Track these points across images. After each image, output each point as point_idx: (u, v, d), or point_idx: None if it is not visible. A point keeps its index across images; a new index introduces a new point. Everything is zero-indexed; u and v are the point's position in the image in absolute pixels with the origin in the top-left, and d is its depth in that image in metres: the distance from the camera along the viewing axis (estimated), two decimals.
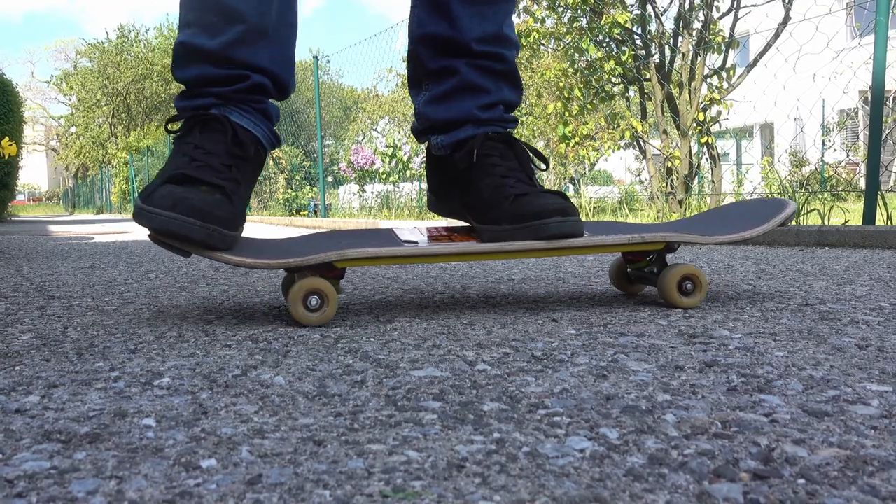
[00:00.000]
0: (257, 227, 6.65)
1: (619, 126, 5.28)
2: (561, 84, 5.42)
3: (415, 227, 1.26)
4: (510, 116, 1.25)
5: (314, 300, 1.01)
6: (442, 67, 1.22)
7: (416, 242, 1.12)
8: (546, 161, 1.24)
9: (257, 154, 1.14)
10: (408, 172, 8.08)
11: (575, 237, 1.10)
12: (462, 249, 1.09)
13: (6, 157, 3.93)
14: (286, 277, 1.20)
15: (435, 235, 1.19)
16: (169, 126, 1.12)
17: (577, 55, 5.27)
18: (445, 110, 1.22)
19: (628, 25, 4.99)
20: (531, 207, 1.09)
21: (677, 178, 4.79)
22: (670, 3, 4.96)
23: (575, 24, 5.23)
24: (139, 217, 1.01)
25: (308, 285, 1.00)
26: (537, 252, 1.10)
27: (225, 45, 1.09)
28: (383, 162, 8.23)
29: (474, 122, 1.21)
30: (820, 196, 3.78)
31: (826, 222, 3.12)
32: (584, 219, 4.67)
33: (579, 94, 5.27)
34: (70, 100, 32.92)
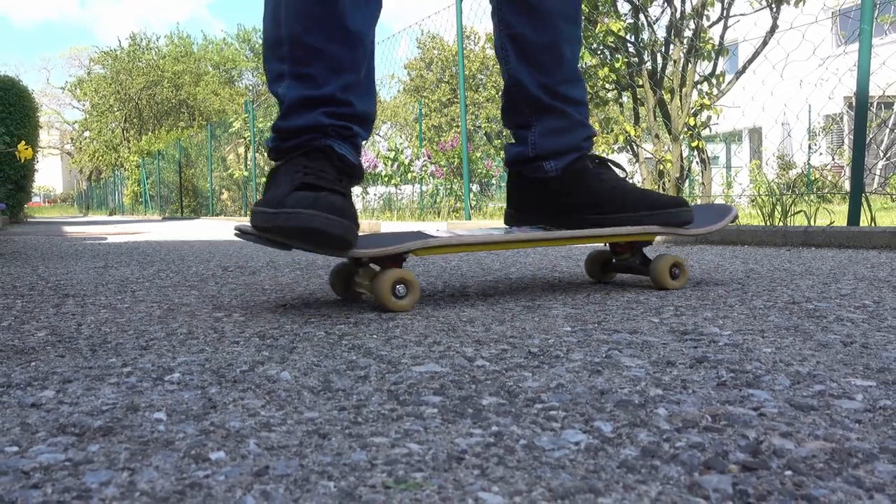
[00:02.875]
0: None
1: (612, 130, 5.28)
2: None
3: (438, 230, 1.40)
4: (593, 135, 1.45)
5: (401, 288, 1.10)
6: (548, 104, 1.39)
7: (437, 235, 1.23)
8: (624, 170, 1.45)
9: (356, 179, 1.23)
10: (409, 175, 8.08)
11: (691, 223, 1.35)
12: (520, 238, 1.25)
13: (22, 161, 3.93)
14: (334, 272, 1.28)
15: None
16: (270, 156, 1.21)
17: None
18: (558, 140, 1.40)
19: (622, 34, 4.99)
20: (662, 198, 1.34)
21: (669, 181, 4.79)
22: (662, 12, 4.96)
23: None
24: (275, 218, 1.02)
25: (395, 276, 1.10)
26: (551, 241, 1.28)
27: (334, 91, 1.18)
28: (385, 165, 8.23)
29: (577, 150, 1.40)
30: (806, 198, 3.78)
31: (812, 223, 3.12)
32: None
33: None
34: (84, 105, 32.92)
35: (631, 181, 1.43)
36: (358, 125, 1.23)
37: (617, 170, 1.43)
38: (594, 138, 1.44)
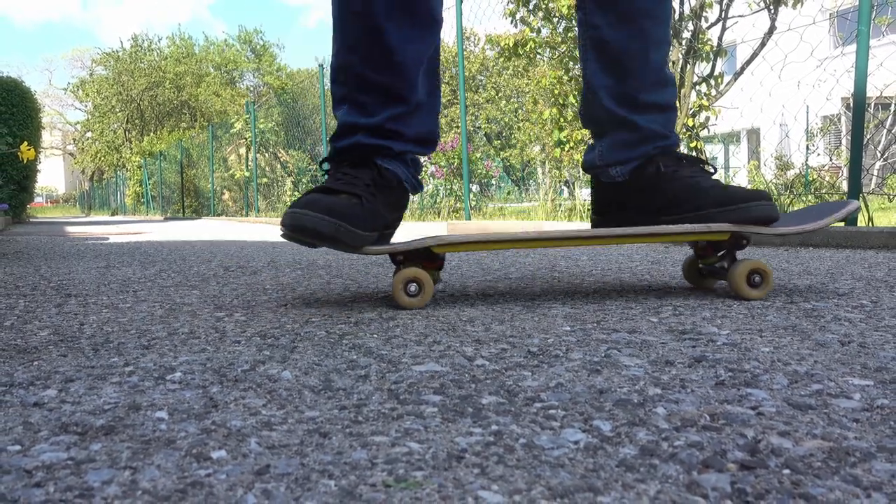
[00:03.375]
0: (266, 227, 6.64)
1: None
2: (556, 91, 5.42)
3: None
4: (676, 137, 1.36)
5: (413, 287, 1.12)
6: (620, 118, 1.33)
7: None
8: (714, 168, 1.34)
9: (400, 189, 1.28)
10: None
11: (774, 220, 1.19)
12: (545, 235, 1.19)
13: (25, 161, 3.93)
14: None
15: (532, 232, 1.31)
16: (321, 166, 1.29)
17: (571, 63, 5.27)
18: (628, 153, 1.34)
19: None
20: (737, 192, 1.21)
21: None
22: None
23: (570, 34, 5.22)
24: (284, 217, 1.12)
25: (407, 274, 1.12)
26: (599, 240, 1.19)
27: (382, 121, 1.23)
28: None
29: (645, 156, 1.33)
30: (804, 198, 3.78)
31: None
32: (578, 221, 4.66)
33: (574, 101, 5.26)
34: (86, 106, 32.92)
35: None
36: (407, 145, 1.27)
37: (705, 167, 1.34)
38: (669, 141, 1.35)
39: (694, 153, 5.10)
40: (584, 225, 3.85)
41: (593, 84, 1.35)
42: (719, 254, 1.25)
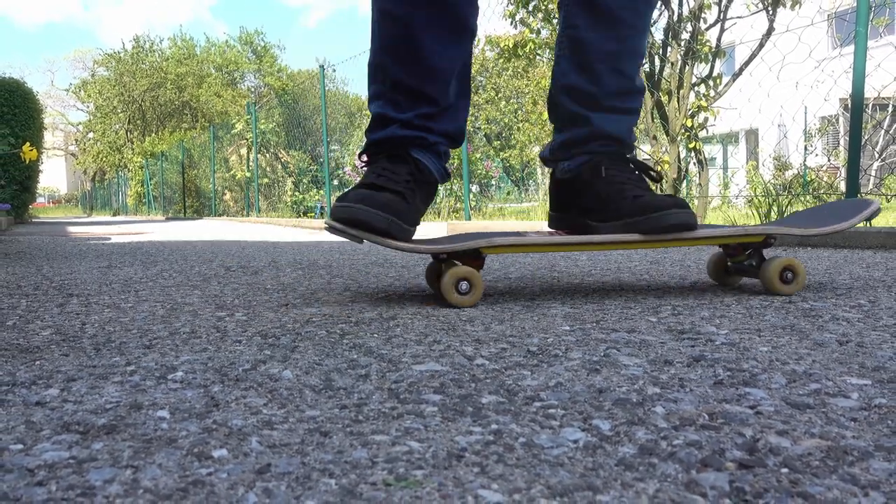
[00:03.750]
0: (266, 227, 6.64)
1: None
2: None
3: (518, 232, 1.38)
4: (627, 142, 1.37)
5: (464, 285, 1.14)
6: (578, 115, 1.35)
7: (530, 234, 1.27)
8: (659, 175, 1.37)
9: (433, 184, 1.32)
10: None
11: (689, 228, 1.21)
12: (585, 241, 1.23)
13: (27, 162, 3.93)
14: (428, 268, 1.34)
15: (544, 233, 1.32)
16: (360, 158, 1.34)
17: None
18: (574, 149, 1.36)
19: None
20: (651, 202, 1.24)
21: (666, 182, 4.79)
22: (660, 15, 4.95)
23: None
24: (335, 211, 1.17)
25: (458, 273, 1.14)
26: (647, 244, 1.22)
27: (412, 118, 1.28)
28: None
29: (589, 153, 1.35)
30: (802, 199, 3.78)
31: None
32: None
33: None
34: (88, 107, 32.91)
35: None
36: (437, 138, 1.31)
37: (650, 172, 1.36)
38: (619, 145, 1.36)
39: (692, 154, 5.11)
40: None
41: (561, 81, 1.37)
42: (747, 252, 1.29)
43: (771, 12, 4.49)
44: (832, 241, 2.43)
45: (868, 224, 2.72)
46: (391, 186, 1.21)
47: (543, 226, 4.27)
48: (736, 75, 4.84)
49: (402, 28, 1.25)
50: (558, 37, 1.38)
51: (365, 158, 1.32)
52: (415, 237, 1.27)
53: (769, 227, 1.22)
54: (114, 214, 25.67)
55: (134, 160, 23.83)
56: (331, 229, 1.19)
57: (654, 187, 1.36)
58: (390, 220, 1.16)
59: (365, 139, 1.34)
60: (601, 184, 1.31)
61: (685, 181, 5.35)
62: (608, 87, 1.33)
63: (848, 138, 2.71)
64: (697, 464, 0.47)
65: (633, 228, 1.23)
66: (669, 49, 4.88)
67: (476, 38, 1.38)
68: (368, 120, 1.35)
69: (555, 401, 0.61)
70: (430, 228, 4.42)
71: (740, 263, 1.30)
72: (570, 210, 1.39)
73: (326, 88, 7.88)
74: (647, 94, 4.90)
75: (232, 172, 12.96)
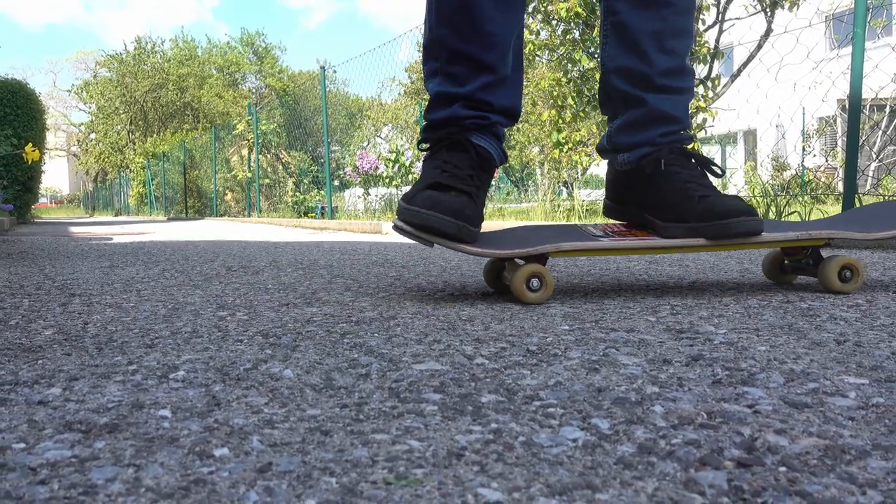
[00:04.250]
0: (268, 227, 6.64)
1: None
2: (555, 93, 5.42)
3: (594, 224, 1.38)
4: (685, 135, 1.35)
5: (535, 282, 1.16)
6: (631, 95, 1.33)
7: (599, 237, 1.25)
8: (722, 170, 1.34)
9: (492, 167, 1.32)
10: (410, 177, 8.07)
11: (757, 234, 1.21)
12: (652, 245, 1.23)
13: (30, 163, 3.93)
14: (487, 267, 1.34)
15: (615, 230, 1.31)
16: (420, 147, 1.33)
17: (570, 66, 5.26)
18: (633, 136, 1.34)
19: None
20: (718, 208, 1.21)
21: None
22: None
23: (568, 37, 5.22)
24: (404, 214, 1.17)
25: (528, 270, 1.16)
26: (714, 248, 1.22)
27: (473, 90, 1.28)
28: (387, 167, 8.22)
29: (651, 145, 1.33)
30: (800, 199, 3.78)
31: None
32: (577, 221, 4.65)
33: (572, 103, 5.26)
34: (90, 108, 32.90)
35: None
36: (498, 116, 1.30)
37: (712, 168, 1.33)
38: (678, 127, 1.34)
39: None
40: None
41: (610, 66, 1.35)
42: (806, 251, 1.30)
43: (769, 14, 4.49)
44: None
45: None
46: (458, 185, 1.21)
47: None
48: (734, 76, 4.84)
49: None
50: (601, 27, 1.38)
51: (425, 146, 1.32)
52: None
53: (833, 232, 1.23)
54: (116, 215, 25.67)
55: (136, 161, 23.83)
56: (399, 231, 1.19)
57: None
58: (461, 225, 1.16)
59: (423, 121, 1.34)
60: (663, 181, 1.29)
61: None
62: (658, 65, 1.31)
63: (846, 139, 2.71)
64: (696, 462, 0.47)
65: (698, 234, 1.21)
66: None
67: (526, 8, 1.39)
68: (427, 102, 1.35)
69: (554, 400, 0.61)
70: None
71: (798, 262, 1.32)
72: (629, 203, 1.37)
73: (327, 89, 7.88)
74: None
75: (233, 173, 12.96)
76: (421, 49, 1.38)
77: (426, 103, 1.35)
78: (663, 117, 1.32)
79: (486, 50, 1.27)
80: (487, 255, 1.19)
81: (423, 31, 1.34)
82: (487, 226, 4.86)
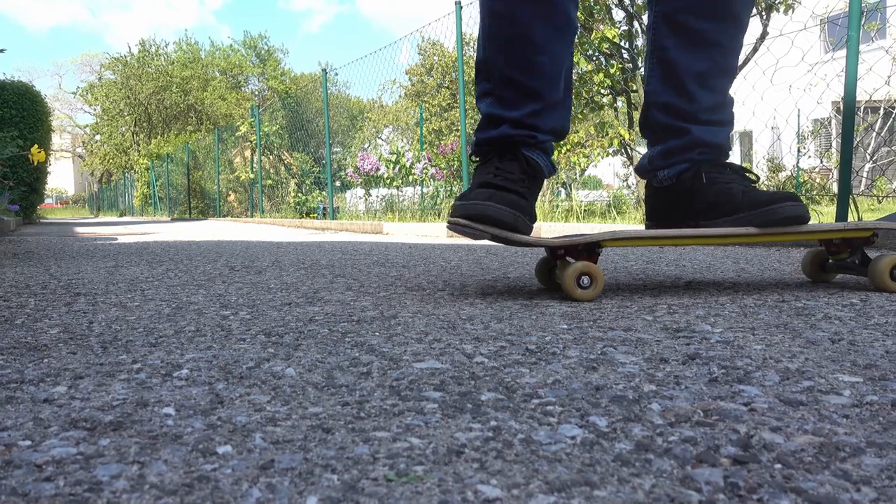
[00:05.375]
0: (270, 227, 6.64)
1: (607, 134, 5.27)
2: None
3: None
4: (726, 149, 1.39)
5: (585, 280, 1.16)
6: (675, 127, 1.36)
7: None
8: (756, 177, 1.36)
9: (540, 182, 1.35)
10: (410, 178, 8.07)
11: (803, 221, 1.22)
12: (704, 233, 1.23)
13: (35, 164, 3.93)
14: (538, 265, 1.36)
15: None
16: (471, 158, 1.37)
17: None
18: (675, 157, 1.37)
19: (616, 40, 4.99)
20: (763, 196, 1.24)
21: None
22: None
23: None
24: (459, 209, 1.19)
25: (578, 268, 1.16)
26: (760, 237, 1.22)
27: (521, 116, 1.30)
28: (387, 168, 8.22)
29: (690, 162, 1.36)
30: None
31: None
32: (576, 220, 4.63)
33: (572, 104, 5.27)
34: (95, 109, 32.89)
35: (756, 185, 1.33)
36: (545, 136, 1.33)
37: (747, 174, 1.36)
38: (717, 150, 1.37)
39: None
40: (585, 226, 3.85)
41: (655, 99, 1.38)
42: (850, 249, 1.29)
43: (765, 17, 4.49)
44: None
45: None
46: (511, 186, 1.24)
47: (547, 226, 4.27)
48: None
49: (510, 23, 1.27)
50: (647, 56, 1.41)
51: (475, 158, 1.36)
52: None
53: (880, 223, 1.24)
54: (120, 215, 25.67)
55: (140, 162, 23.83)
56: (455, 226, 1.21)
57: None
58: (517, 215, 1.19)
59: (474, 138, 1.38)
60: (705, 187, 1.32)
61: None
62: (702, 103, 1.34)
63: (840, 140, 2.71)
64: (692, 460, 0.47)
65: (746, 222, 1.23)
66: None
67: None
68: (478, 119, 1.36)
69: (552, 398, 0.61)
70: (430, 228, 4.42)
71: (843, 261, 1.31)
72: (671, 216, 1.39)
73: (329, 92, 7.88)
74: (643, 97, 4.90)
75: (236, 174, 12.96)
76: (474, 65, 1.41)
77: (476, 121, 1.39)
78: (705, 144, 1.35)
79: (536, 79, 1.30)
80: (539, 244, 1.21)
81: (475, 49, 1.37)
82: None
